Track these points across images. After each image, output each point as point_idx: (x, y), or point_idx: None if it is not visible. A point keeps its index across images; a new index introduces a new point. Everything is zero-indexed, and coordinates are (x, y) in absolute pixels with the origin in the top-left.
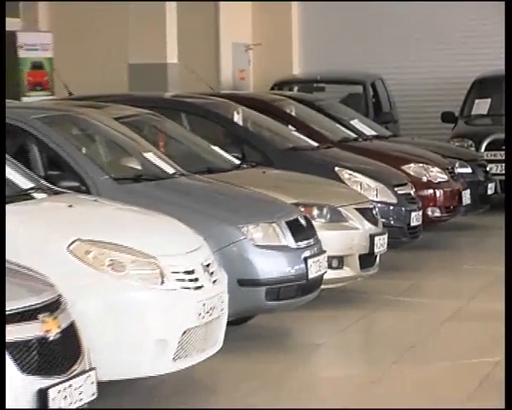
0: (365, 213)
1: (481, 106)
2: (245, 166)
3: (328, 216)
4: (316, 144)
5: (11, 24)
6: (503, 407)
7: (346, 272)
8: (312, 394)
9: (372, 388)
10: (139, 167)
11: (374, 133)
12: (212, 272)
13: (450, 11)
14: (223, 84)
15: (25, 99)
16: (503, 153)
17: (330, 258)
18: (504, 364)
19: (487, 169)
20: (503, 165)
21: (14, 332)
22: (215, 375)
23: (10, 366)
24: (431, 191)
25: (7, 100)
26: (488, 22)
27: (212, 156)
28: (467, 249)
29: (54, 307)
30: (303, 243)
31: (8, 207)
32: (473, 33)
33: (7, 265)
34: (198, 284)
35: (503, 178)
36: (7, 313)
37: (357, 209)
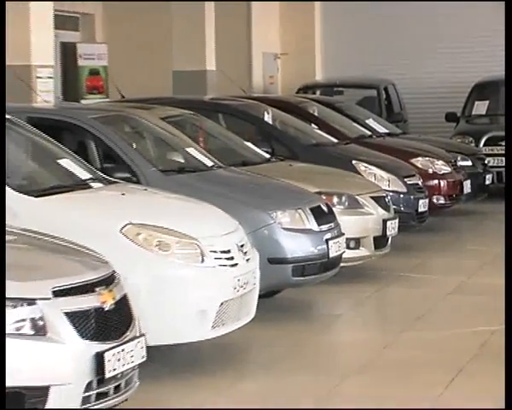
0: (379, 200)
1: (480, 107)
2: (274, 159)
3: (347, 203)
4: (335, 141)
5: (72, 36)
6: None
7: (362, 251)
8: (332, 356)
9: (385, 352)
10: (182, 161)
11: (386, 131)
12: (245, 252)
13: (454, 23)
14: (254, 88)
15: (83, 101)
16: (499, 148)
17: (348, 240)
18: (504, 364)
19: (485, 162)
20: (500, 158)
21: (74, 303)
22: (248, 341)
23: (72, 332)
24: (436, 181)
25: (68, 102)
26: (489, 33)
27: (245, 151)
28: (468, 232)
29: (109, 281)
30: (324, 227)
31: (69, 194)
32: (475, 43)
33: (69, 245)
34: (233, 262)
35: (500, 170)
36: (69, 286)
37: (371, 197)
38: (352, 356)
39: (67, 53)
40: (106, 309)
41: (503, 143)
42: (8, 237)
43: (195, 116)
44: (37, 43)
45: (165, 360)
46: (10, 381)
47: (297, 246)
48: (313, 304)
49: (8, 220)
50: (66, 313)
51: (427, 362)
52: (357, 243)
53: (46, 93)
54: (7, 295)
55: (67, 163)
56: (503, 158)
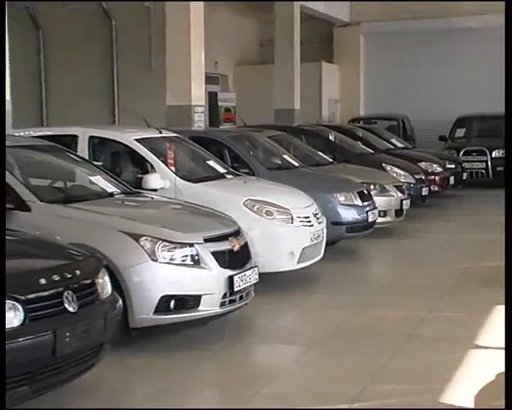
0: (398, 187)
1: (460, 132)
2: (335, 162)
3: (379, 189)
4: (372, 151)
5: (214, 88)
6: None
7: (387, 219)
8: (369, 280)
9: (399, 278)
10: (279, 162)
11: (402, 146)
12: (318, 217)
13: (451, 78)
14: (323, 119)
15: (221, 127)
16: (471, 157)
17: (379, 211)
18: (504, 364)
19: (463, 166)
20: (471, 164)
21: (216, 246)
22: (318, 271)
23: (214, 263)
24: (433, 177)
25: (212, 127)
26: (481, 77)
27: (318, 157)
28: (452, 207)
29: (236, 233)
30: (365, 203)
31: (213, 181)
32: (459, 92)
33: (212, 211)
34: (310, 223)
35: (472, 170)
36: (213, 236)
37: (394, 186)
38: (381, 280)
39: (212, 98)
40: (235, 250)
41: (474, 154)
42: (175, 206)
43: (288, 136)
44: (195, 91)
45: (268, 282)
46: (180, 291)
47: (348, 214)
48: (357, 250)
49: (177, 196)
50: (212, 252)
51: (426, 286)
52: (384, 213)
53: (199, 122)
54: (177, 240)
55: (212, 163)
56: (473, 163)
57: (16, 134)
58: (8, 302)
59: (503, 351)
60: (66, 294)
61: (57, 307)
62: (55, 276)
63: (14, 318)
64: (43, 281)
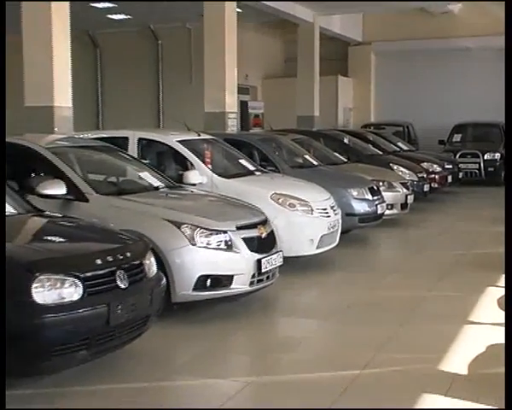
0: (403, 184)
1: (457, 137)
2: (349, 162)
3: (387, 185)
4: (381, 153)
5: (245, 97)
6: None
7: (393, 211)
8: (377, 262)
9: (404, 262)
10: (301, 161)
11: (407, 148)
12: (334, 209)
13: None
14: (338, 125)
15: (251, 131)
16: (466, 159)
17: (387, 204)
18: (504, 364)
19: (459, 166)
20: (466, 165)
21: (247, 233)
22: (334, 256)
23: (245, 248)
24: (433, 175)
25: (243, 131)
26: (475, 90)
27: (334, 157)
28: (450, 202)
29: (264, 222)
30: (375, 197)
31: (244, 178)
32: (457, 102)
33: (243, 203)
34: (328, 214)
35: (467, 170)
36: (244, 224)
37: (400, 183)
38: (388, 263)
39: (243, 106)
40: (262, 237)
41: (469, 157)
42: (211, 199)
43: (308, 139)
44: (229, 100)
45: (291, 265)
46: (215, 271)
47: (361, 207)
48: (367, 237)
49: (213, 190)
50: (243, 238)
51: (427, 269)
52: (391, 206)
53: (232, 126)
54: (213, 228)
55: (243, 161)
56: (468, 164)
57: (76, 136)
58: (69, 279)
59: (494, 326)
60: (118, 272)
61: (111, 284)
62: (109, 257)
63: (74, 292)
64: (99, 261)
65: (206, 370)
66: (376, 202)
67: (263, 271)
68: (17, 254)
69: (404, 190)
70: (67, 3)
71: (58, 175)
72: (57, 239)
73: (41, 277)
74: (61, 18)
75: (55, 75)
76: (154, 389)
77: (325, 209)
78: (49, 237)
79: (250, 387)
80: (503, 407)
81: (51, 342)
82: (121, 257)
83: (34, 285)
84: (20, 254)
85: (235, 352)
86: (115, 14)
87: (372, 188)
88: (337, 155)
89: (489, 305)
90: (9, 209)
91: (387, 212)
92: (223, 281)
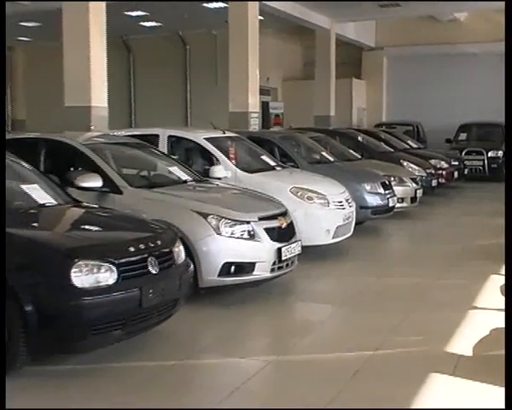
0: (413, 179)
1: (462, 136)
2: (362, 159)
3: (397, 180)
4: (392, 150)
5: (266, 98)
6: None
7: (404, 204)
8: (388, 250)
9: (413, 252)
10: (318, 157)
11: (416, 146)
12: (349, 202)
13: (459, 89)
14: (353, 124)
15: (271, 129)
16: (471, 156)
17: (398, 198)
18: (505, 363)
19: (464, 163)
20: (471, 162)
21: (268, 224)
22: (348, 244)
23: (266, 237)
24: (440, 171)
25: (264, 130)
26: (479, 92)
27: (349, 154)
28: (456, 196)
29: (284, 213)
30: (387, 192)
31: (265, 172)
32: (464, 103)
33: (264, 195)
34: (343, 207)
35: (472, 167)
36: (265, 215)
37: (409, 178)
38: (399, 253)
39: (264, 106)
40: (282, 227)
41: (474, 154)
42: (235, 192)
43: (325, 136)
44: (251, 101)
45: (309, 253)
46: (239, 258)
47: (374, 200)
48: (379, 229)
49: (237, 184)
50: (264, 228)
51: (434, 258)
52: (402, 200)
53: (255, 125)
54: (237, 218)
55: (265, 157)
56: (473, 161)
57: (111, 134)
58: (105, 265)
59: (497, 311)
60: (149, 259)
61: (143, 270)
62: (141, 245)
63: (109, 277)
64: (132, 249)
65: (229, 350)
66: (388, 196)
67: (283, 259)
68: (57, 241)
69: (414, 185)
70: (104, 12)
71: (95, 169)
72: (94, 228)
73: (79, 262)
74: (97, 26)
75: (92, 78)
76: (181, 367)
77: (341, 202)
78: (86, 226)
79: (270, 366)
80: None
81: (89, 322)
82: (152, 245)
83: (73, 270)
84: (60, 241)
85: (256, 333)
86: (147, 21)
87: (384, 183)
88: (352, 151)
89: (492, 292)
90: (50, 200)
91: (398, 205)
92: (246, 268)
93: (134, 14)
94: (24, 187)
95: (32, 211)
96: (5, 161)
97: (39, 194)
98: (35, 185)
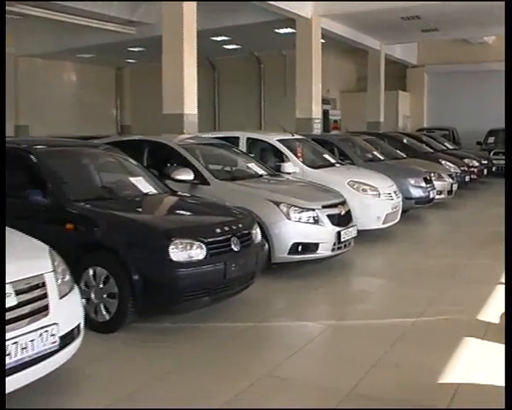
0: (450, 175)
1: (491, 139)
2: (407, 158)
3: (437, 176)
4: (432, 151)
5: (327, 107)
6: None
7: (442, 196)
8: (420, 234)
9: (448, 236)
10: (371, 156)
11: (452, 148)
12: (396, 194)
13: (487, 99)
14: (399, 128)
15: (331, 133)
16: (498, 156)
17: (437, 191)
18: (504, 363)
19: (493, 162)
20: (499, 161)
21: (330, 211)
22: (396, 230)
23: (328, 222)
24: (472, 169)
25: (325, 133)
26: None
27: (396, 153)
28: (485, 190)
29: (343, 202)
30: (428, 185)
31: (326, 168)
32: (495, 110)
33: (326, 187)
34: (391, 198)
35: (499, 165)
36: (328, 204)
37: (447, 174)
38: (436, 237)
39: (325, 113)
40: (341, 214)
41: (500, 154)
42: (302, 184)
43: (376, 139)
44: (315, 109)
45: (363, 236)
46: (305, 239)
47: (417, 192)
48: (421, 216)
49: (303, 177)
50: (327, 215)
51: (466, 241)
52: (440, 192)
53: (317, 129)
54: (304, 206)
55: (326, 156)
56: (499, 161)
57: (200, 136)
58: (196, 243)
59: None
60: (232, 239)
61: (227, 248)
62: (225, 227)
63: (199, 253)
64: (218, 230)
65: (297, 315)
66: (429, 189)
67: (342, 240)
68: (157, 223)
69: (450, 180)
70: (195, 38)
71: (187, 165)
72: (187, 213)
73: (175, 241)
74: (189, 49)
75: (185, 90)
76: (257, 328)
77: (389, 194)
78: (181, 211)
79: (331, 329)
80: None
81: (182, 290)
82: (235, 227)
83: (171, 247)
84: (159, 223)
85: (318, 301)
86: (229, 44)
87: (426, 178)
88: (398, 152)
89: None
90: (152, 190)
91: (437, 197)
92: (311, 247)
93: (219, 38)
94: (131, 179)
95: (137, 198)
96: (5, 160)
97: (143, 185)
98: (140, 178)
